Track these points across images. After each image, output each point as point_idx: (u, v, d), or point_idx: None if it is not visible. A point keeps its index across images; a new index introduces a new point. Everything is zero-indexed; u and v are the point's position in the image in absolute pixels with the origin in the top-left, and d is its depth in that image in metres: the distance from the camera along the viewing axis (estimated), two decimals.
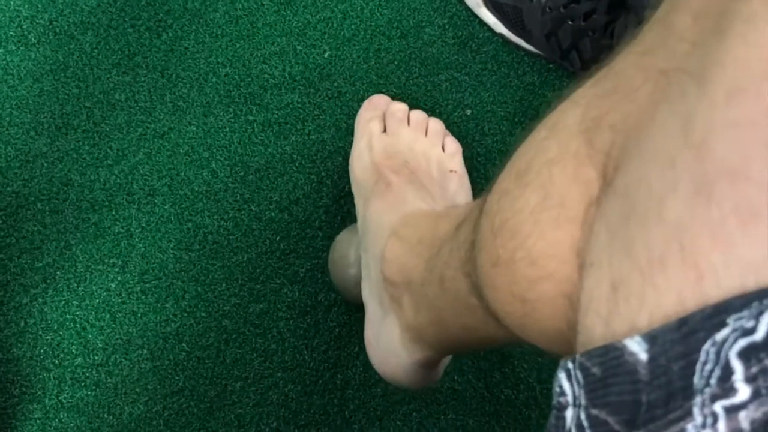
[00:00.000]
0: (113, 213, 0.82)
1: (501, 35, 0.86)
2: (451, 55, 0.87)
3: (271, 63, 0.86)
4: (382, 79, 0.86)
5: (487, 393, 0.79)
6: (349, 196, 0.82)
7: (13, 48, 0.85)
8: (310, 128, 0.84)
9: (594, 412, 0.27)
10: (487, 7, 0.86)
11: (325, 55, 0.86)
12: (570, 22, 0.80)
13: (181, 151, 0.83)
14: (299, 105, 0.85)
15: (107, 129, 0.84)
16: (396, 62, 0.86)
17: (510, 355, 0.80)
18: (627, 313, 0.27)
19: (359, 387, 0.79)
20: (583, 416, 0.28)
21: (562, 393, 0.29)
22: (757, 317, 0.23)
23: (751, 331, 0.23)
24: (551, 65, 0.87)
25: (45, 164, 0.82)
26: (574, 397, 0.28)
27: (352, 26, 0.87)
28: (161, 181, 0.83)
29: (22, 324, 0.79)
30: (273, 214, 0.82)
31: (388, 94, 0.83)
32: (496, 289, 0.40)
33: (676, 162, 0.26)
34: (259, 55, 0.86)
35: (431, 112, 0.84)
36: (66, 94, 0.84)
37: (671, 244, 0.25)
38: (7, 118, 0.83)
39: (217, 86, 0.85)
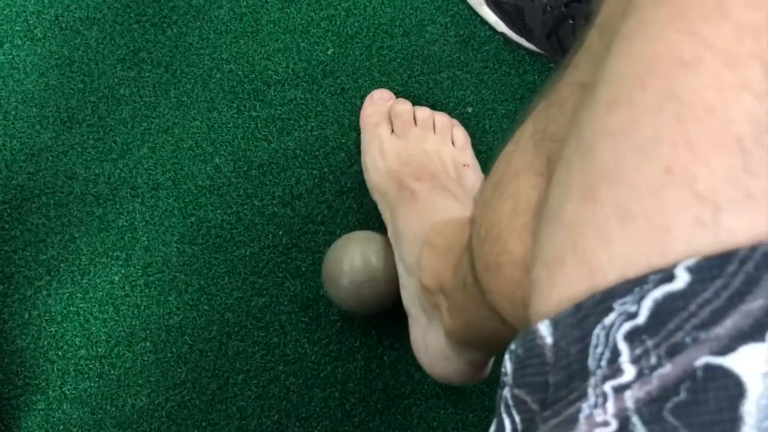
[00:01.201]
0: (117, 206, 0.82)
1: (502, 34, 0.87)
2: (453, 54, 0.88)
3: (275, 60, 0.87)
4: (385, 77, 0.86)
5: (486, 388, 0.80)
6: (351, 191, 0.83)
7: (19, 43, 0.86)
8: (312, 124, 0.85)
9: (516, 391, 0.29)
10: (489, 6, 0.86)
11: (329, 52, 0.87)
12: (571, 21, 0.81)
13: (185, 145, 0.84)
14: (302, 101, 0.86)
15: (112, 123, 0.84)
16: (398, 60, 0.87)
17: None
18: (539, 303, 0.29)
19: (360, 380, 0.79)
20: (508, 395, 0.29)
21: (505, 373, 0.30)
22: (639, 302, 0.24)
23: (634, 315, 0.24)
24: (552, 64, 0.88)
25: (50, 158, 0.83)
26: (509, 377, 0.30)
27: (355, 24, 0.88)
28: (165, 176, 0.83)
29: (26, 316, 0.80)
30: (276, 209, 0.83)
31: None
32: (492, 292, 0.43)
33: (571, 167, 0.29)
34: (262, 51, 0.87)
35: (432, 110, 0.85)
36: (71, 88, 0.85)
37: (567, 243, 0.28)
38: (13, 112, 0.84)
39: (221, 82, 0.86)
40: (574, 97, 0.34)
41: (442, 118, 0.82)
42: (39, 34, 0.86)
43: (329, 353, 0.80)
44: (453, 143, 0.81)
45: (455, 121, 0.83)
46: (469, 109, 0.86)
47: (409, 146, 0.79)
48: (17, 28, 0.86)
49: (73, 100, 0.85)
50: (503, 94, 0.87)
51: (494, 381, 0.80)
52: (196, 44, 0.87)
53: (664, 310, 0.24)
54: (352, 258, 0.75)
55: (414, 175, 0.76)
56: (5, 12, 0.86)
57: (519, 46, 0.87)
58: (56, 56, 0.86)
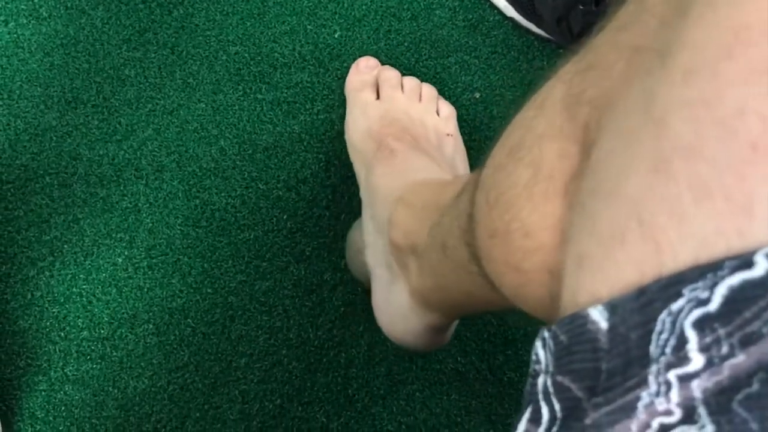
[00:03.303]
0: (121, 188, 0.82)
1: (511, 19, 0.86)
2: (461, 38, 0.87)
3: (282, 42, 0.86)
4: (392, 60, 0.86)
5: (491, 375, 0.80)
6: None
7: (24, 21, 0.85)
8: (319, 108, 0.84)
9: (559, 378, 0.28)
10: None
11: (336, 35, 0.86)
12: (581, 7, 0.80)
13: (190, 127, 0.84)
14: (308, 84, 0.85)
15: (117, 104, 0.84)
16: (406, 44, 0.86)
17: (513, 338, 0.80)
18: (590, 284, 0.27)
19: (363, 366, 0.79)
20: (549, 382, 0.28)
21: (537, 361, 0.29)
22: (712, 288, 0.23)
23: (705, 302, 0.23)
24: (561, 50, 0.87)
25: (54, 138, 0.83)
26: (546, 365, 0.29)
27: (363, 6, 0.87)
28: (170, 158, 0.83)
29: (29, 296, 0.80)
30: (280, 193, 0.82)
31: None
32: (493, 260, 0.41)
33: (637, 138, 0.27)
34: (269, 33, 0.86)
35: (440, 95, 0.84)
36: (76, 68, 0.84)
37: (630, 218, 0.26)
38: (18, 92, 0.84)
39: (227, 64, 0.85)
40: (623, 61, 0.32)
41: (428, 90, 0.81)
42: (44, 13, 0.85)
43: (332, 338, 0.80)
44: (438, 113, 0.80)
45: (441, 96, 0.82)
46: (477, 95, 0.86)
47: (393, 110, 0.78)
48: (22, 6, 0.85)
49: (77, 81, 0.84)
50: (512, 80, 0.86)
51: (498, 368, 0.80)
52: (202, 25, 0.86)
53: (739, 298, 0.22)
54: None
55: (395, 135, 0.75)
56: None
57: (528, 31, 0.86)
58: (61, 36, 0.85)
